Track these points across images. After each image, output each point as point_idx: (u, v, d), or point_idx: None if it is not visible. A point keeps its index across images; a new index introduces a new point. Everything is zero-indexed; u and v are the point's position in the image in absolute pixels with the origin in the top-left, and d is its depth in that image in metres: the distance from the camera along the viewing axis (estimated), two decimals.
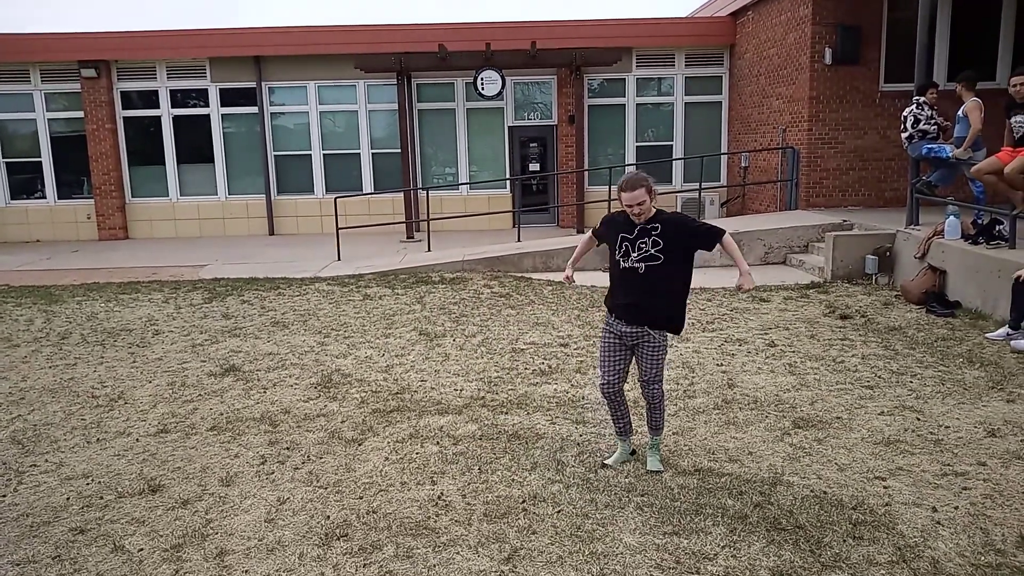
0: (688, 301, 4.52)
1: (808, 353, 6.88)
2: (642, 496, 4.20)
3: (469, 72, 15.68)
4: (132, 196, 16.99)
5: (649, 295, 4.29)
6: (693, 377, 6.29)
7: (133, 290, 10.61)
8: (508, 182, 16.82)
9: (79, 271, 12.56)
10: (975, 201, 9.35)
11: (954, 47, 12.41)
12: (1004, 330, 7.03)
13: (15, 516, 4.23)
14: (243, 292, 10.25)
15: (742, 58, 15.79)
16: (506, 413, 5.56)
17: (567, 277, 4.81)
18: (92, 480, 4.66)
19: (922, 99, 9.56)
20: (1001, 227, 8.36)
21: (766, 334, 7.57)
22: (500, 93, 15.56)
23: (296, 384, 6.40)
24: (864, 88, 12.65)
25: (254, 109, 16.63)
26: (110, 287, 10.91)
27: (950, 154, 9.23)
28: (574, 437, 5.08)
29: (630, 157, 16.84)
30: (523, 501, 4.19)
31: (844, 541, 3.70)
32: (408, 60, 15.22)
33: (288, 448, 5.05)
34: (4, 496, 4.49)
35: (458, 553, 3.69)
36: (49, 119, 16.72)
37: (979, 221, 9.03)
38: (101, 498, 4.41)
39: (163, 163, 16.84)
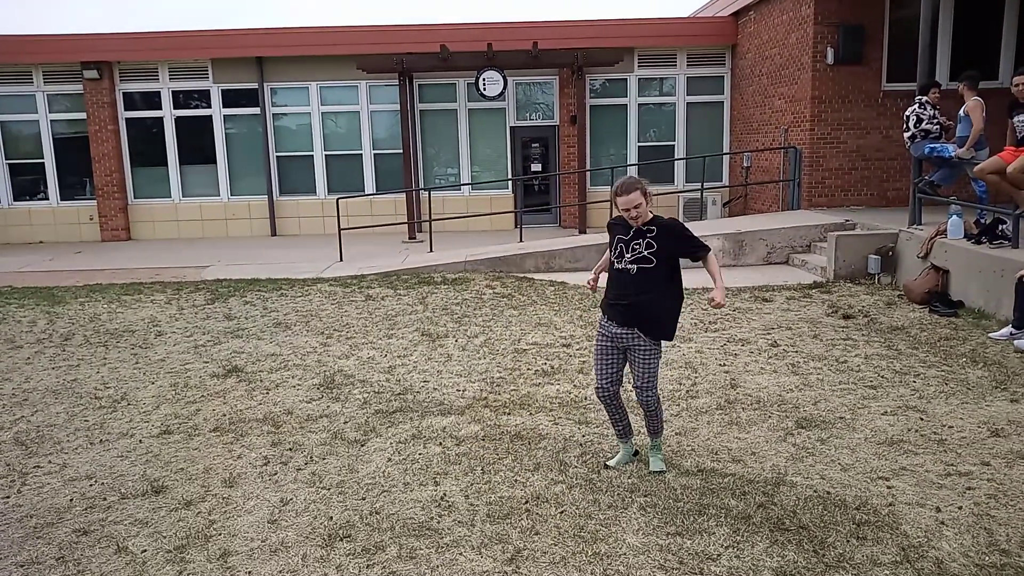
0: (681, 308, 4.49)
1: (811, 353, 6.87)
2: (645, 496, 4.19)
3: (471, 72, 15.68)
4: (134, 197, 17.01)
5: (638, 296, 4.30)
6: (696, 377, 6.29)
7: (136, 291, 10.62)
8: (510, 182, 16.82)
9: (82, 272, 12.57)
10: (978, 201, 9.34)
11: (956, 46, 12.40)
12: (1007, 330, 7.02)
13: (19, 517, 4.24)
14: (245, 293, 10.25)
15: (744, 58, 15.79)
16: (509, 414, 5.56)
17: (591, 282, 4.91)
18: (95, 481, 4.67)
19: (924, 99, 9.55)
20: (1004, 227, 8.34)
21: (769, 334, 7.56)
22: (502, 93, 15.56)
23: (299, 385, 6.40)
24: (866, 88, 12.64)
25: (256, 110, 16.64)
26: (113, 288, 10.93)
27: (952, 154, 9.23)
28: (577, 438, 5.08)
29: (632, 157, 16.84)
30: (526, 502, 4.18)
31: (848, 541, 3.69)
32: (410, 61, 15.22)
33: (291, 449, 5.05)
34: (8, 497, 4.50)
35: (461, 554, 3.69)
36: (52, 120, 16.75)
37: (982, 221, 9.02)
38: (104, 499, 4.41)
39: (165, 164, 16.86)
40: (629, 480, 4.40)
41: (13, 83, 16.53)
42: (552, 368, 6.65)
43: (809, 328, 7.74)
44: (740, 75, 16.06)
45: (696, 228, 12.24)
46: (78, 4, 48.83)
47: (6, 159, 16.81)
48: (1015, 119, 8.33)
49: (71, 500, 4.42)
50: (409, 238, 15.53)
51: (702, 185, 15.02)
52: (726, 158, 16.77)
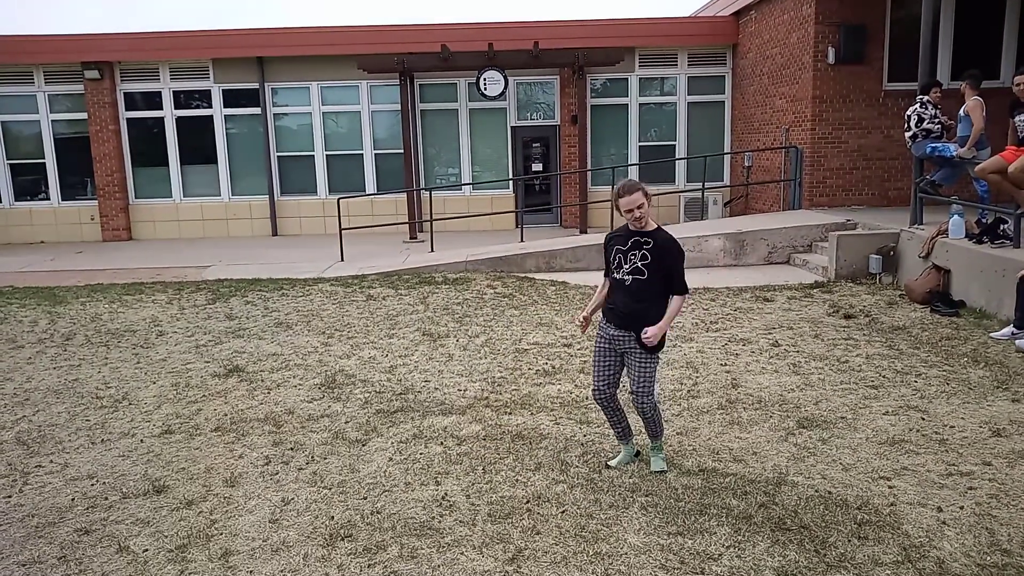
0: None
1: (812, 353, 6.87)
2: (646, 496, 4.19)
3: (472, 72, 15.68)
4: (135, 197, 17.02)
5: (634, 306, 4.31)
6: (697, 377, 6.28)
7: (137, 291, 10.63)
8: (511, 182, 16.82)
9: (83, 272, 12.58)
10: (979, 200, 9.34)
11: (958, 46, 12.39)
12: (1009, 329, 7.01)
13: (20, 517, 4.24)
14: (246, 293, 10.26)
15: (745, 57, 15.78)
16: (510, 413, 5.56)
17: (583, 320, 4.50)
18: (97, 481, 4.67)
19: (926, 98, 9.55)
20: (1005, 226, 8.34)
21: (770, 334, 7.56)
22: (503, 93, 15.57)
23: (300, 385, 6.40)
24: (867, 87, 12.63)
25: (257, 110, 16.65)
26: (114, 288, 10.93)
27: (954, 153, 9.22)
28: (578, 437, 5.08)
29: (633, 157, 16.84)
30: (527, 501, 4.18)
31: (849, 541, 3.69)
32: (411, 60, 15.22)
33: (292, 449, 5.05)
34: (9, 497, 4.50)
35: (462, 553, 3.69)
36: (53, 120, 16.77)
37: (983, 220, 9.01)
38: (106, 499, 4.42)
39: (166, 164, 16.87)
40: (630, 480, 4.40)
41: (14, 83, 16.54)
42: (553, 368, 6.65)
43: (810, 328, 7.74)
44: (741, 75, 16.06)
45: (697, 228, 12.39)
46: (79, 4, 48.87)
47: (7, 159, 16.83)
48: (1017, 118, 8.32)
49: (72, 499, 4.42)
50: (410, 238, 15.54)
51: (703, 185, 15.02)
52: (727, 158, 16.77)
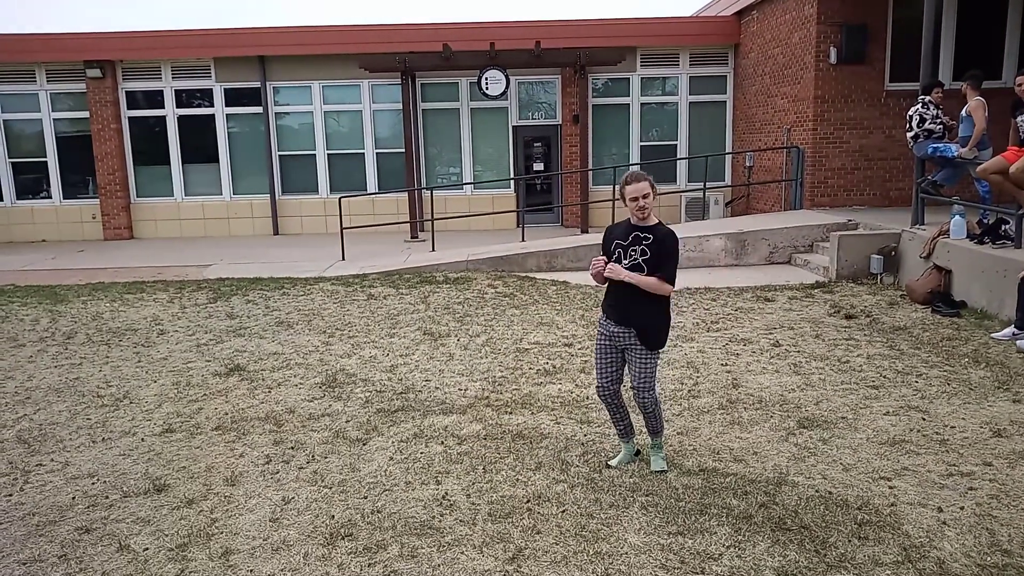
0: (676, 309, 4.44)
1: (813, 353, 6.87)
2: (647, 496, 4.19)
3: (473, 72, 15.69)
4: (137, 196, 17.03)
5: (633, 302, 4.32)
6: (698, 377, 6.28)
7: (138, 290, 10.64)
8: (512, 182, 16.82)
9: (84, 271, 12.59)
10: (981, 201, 9.33)
11: (960, 46, 12.38)
12: (1010, 330, 7.01)
13: (21, 515, 4.24)
14: (248, 292, 10.26)
15: (747, 57, 15.77)
16: (510, 413, 5.56)
17: (599, 262, 4.41)
18: (97, 479, 4.67)
19: (928, 98, 9.54)
20: (1007, 227, 8.33)
21: (771, 334, 7.55)
22: (504, 93, 15.56)
23: (301, 384, 6.41)
24: (869, 87, 12.63)
25: (259, 109, 16.65)
26: (115, 287, 10.94)
27: (955, 153, 9.21)
28: (578, 437, 5.08)
29: (634, 157, 16.83)
30: (527, 501, 4.19)
31: (849, 541, 3.69)
32: (412, 60, 15.23)
33: (293, 448, 5.05)
34: (10, 495, 4.51)
35: (463, 553, 3.69)
36: (54, 119, 16.78)
37: (985, 221, 9.00)
38: (106, 497, 4.42)
39: (168, 163, 16.88)
40: (631, 479, 4.41)
41: (16, 82, 16.56)
42: (554, 367, 6.65)
43: (811, 328, 7.74)
44: (743, 74, 16.05)
45: (698, 228, 12.39)
46: (81, 3, 48.91)
47: (9, 158, 16.84)
48: (1018, 118, 8.32)
49: (73, 498, 4.43)
50: (411, 237, 15.54)
51: (704, 184, 15.01)
52: (728, 158, 16.76)
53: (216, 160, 16.90)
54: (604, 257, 4.44)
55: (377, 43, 15.93)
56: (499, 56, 15.15)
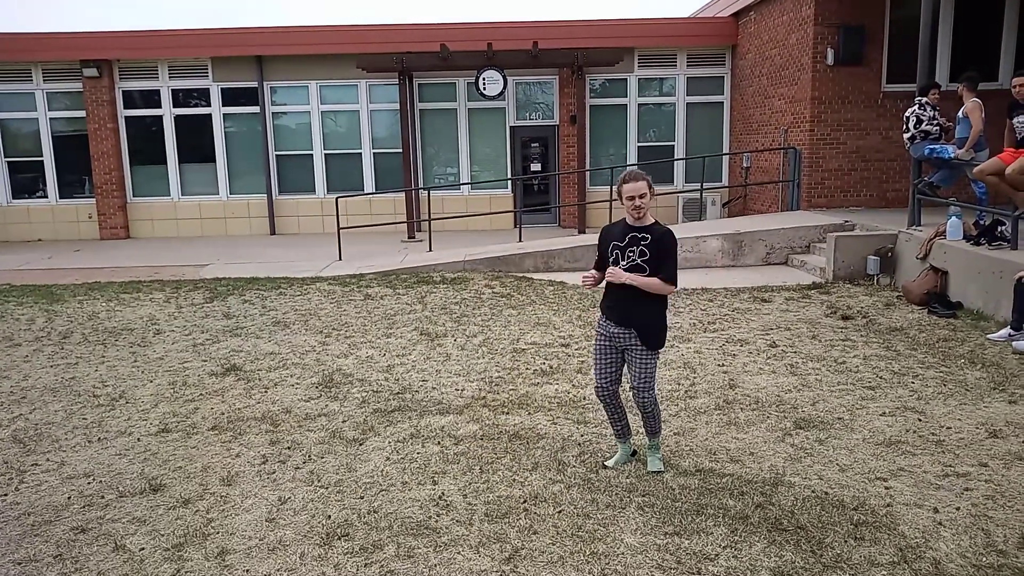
0: (673, 310, 4.45)
1: (809, 354, 6.87)
2: (643, 496, 4.19)
3: (471, 72, 15.68)
4: (133, 195, 17.00)
5: (633, 303, 4.32)
6: (694, 377, 6.29)
7: (134, 289, 10.62)
8: (510, 182, 16.82)
9: (80, 270, 12.57)
10: (977, 202, 9.35)
11: (957, 48, 12.41)
12: (1006, 331, 7.02)
13: (16, 515, 4.23)
14: (244, 292, 10.25)
15: (744, 58, 15.79)
16: (507, 413, 5.56)
17: (588, 277, 4.51)
18: (93, 479, 4.66)
19: (924, 100, 9.56)
20: (1003, 228, 8.35)
21: (767, 335, 7.56)
22: (502, 93, 15.56)
23: (297, 384, 6.40)
24: (866, 89, 12.64)
25: (256, 109, 16.63)
26: (111, 286, 10.92)
27: (952, 155, 9.23)
28: (575, 437, 5.08)
29: (632, 157, 16.84)
30: (524, 501, 4.18)
31: (845, 542, 3.70)
32: (410, 60, 15.22)
33: (289, 448, 5.05)
34: (6, 495, 4.49)
35: (459, 553, 3.69)
36: (51, 118, 16.74)
37: (981, 222, 9.02)
38: (102, 497, 4.41)
39: (164, 162, 16.85)
40: (627, 480, 4.41)
41: (12, 81, 16.52)
42: (551, 368, 6.65)
43: (808, 329, 7.74)
44: (740, 75, 16.07)
45: (695, 228, 12.40)
46: (81, 3, 48.82)
47: (5, 157, 16.80)
48: (1014, 120, 8.33)
49: (69, 498, 4.42)
50: (408, 237, 15.53)
51: (701, 185, 15.02)
52: (726, 158, 16.77)
53: (213, 160, 16.88)
54: (592, 274, 4.52)
55: (374, 43, 15.91)
56: (497, 56, 15.15)
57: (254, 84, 16.53)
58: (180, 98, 16.73)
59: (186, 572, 3.61)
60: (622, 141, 16.91)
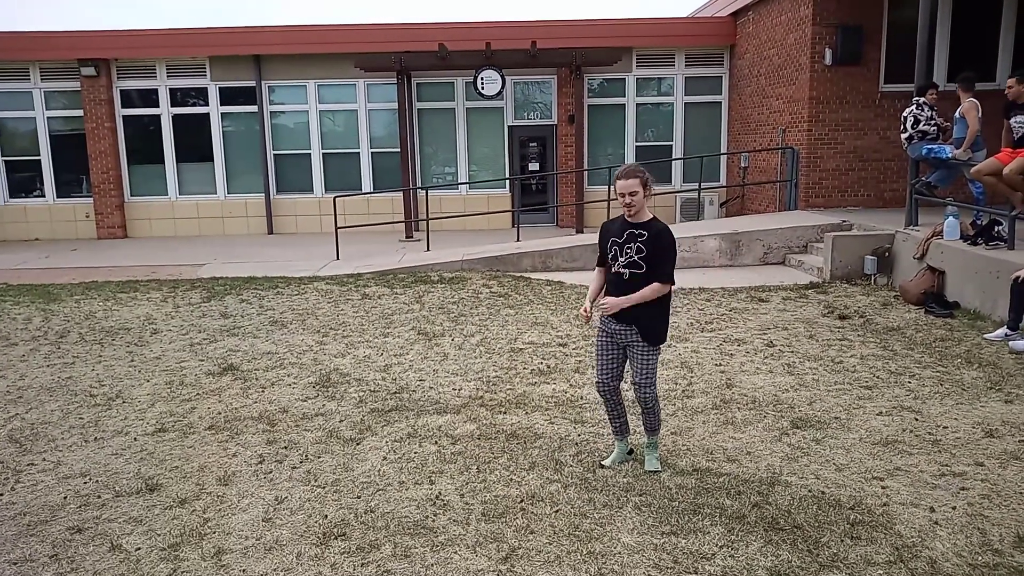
0: (671, 310, 4.46)
1: (807, 353, 6.88)
2: (640, 496, 4.20)
3: (469, 71, 15.68)
4: (131, 195, 16.99)
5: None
6: (691, 377, 6.29)
7: (131, 289, 10.61)
8: (508, 182, 16.82)
9: (77, 270, 12.55)
10: (974, 202, 9.36)
11: (954, 48, 12.42)
12: (1002, 331, 7.03)
13: (12, 515, 4.23)
14: (241, 291, 10.24)
15: (742, 58, 15.79)
16: (504, 413, 5.56)
17: (585, 312, 4.56)
18: (90, 479, 4.66)
19: (922, 100, 9.56)
20: (1000, 228, 8.36)
21: (765, 334, 7.57)
22: (500, 93, 15.56)
23: (294, 383, 6.39)
24: (864, 89, 12.65)
25: (254, 108, 16.62)
26: (108, 286, 10.91)
27: (950, 155, 9.24)
28: (572, 437, 5.08)
29: (630, 157, 16.84)
30: (521, 501, 4.18)
31: (842, 541, 3.70)
32: (408, 59, 15.21)
33: (286, 447, 5.04)
34: (1, 495, 4.48)
35: (456, 552, 3.69)
36: (48, 117, 16.72)
37: (978, 222, 9.04)
38: (99, 497, 4.41)
39: (162, 162, 16.84)
40: (624, 479, 4.41)
41: (10, 80, 16.49)
42: (548, 367, 6.65)
43: (805, 328, 7.75)
44: (738, 75, 16.07)
45: (693, 228, 12.40)
46: (80, 3, 48.76)
47: (2, 156, 16.78)
48: (1012, 120, 8.34)
49: (65, 498, 4.41)
50: (406, 237, 15.52)
51: (699, 185, 15.02)
52: (723, 158, 16.79)
53: (211, 159, 16.87)
54: (587, 310, 4.55)
55: (373, 42, 15.91)
56: (495, 56, 15.15)
57: (252, 83, 16.51)
58: (178, 97, 16.72)
59: (182, 572, 3.61)
60: (620, 141, 16.91)
